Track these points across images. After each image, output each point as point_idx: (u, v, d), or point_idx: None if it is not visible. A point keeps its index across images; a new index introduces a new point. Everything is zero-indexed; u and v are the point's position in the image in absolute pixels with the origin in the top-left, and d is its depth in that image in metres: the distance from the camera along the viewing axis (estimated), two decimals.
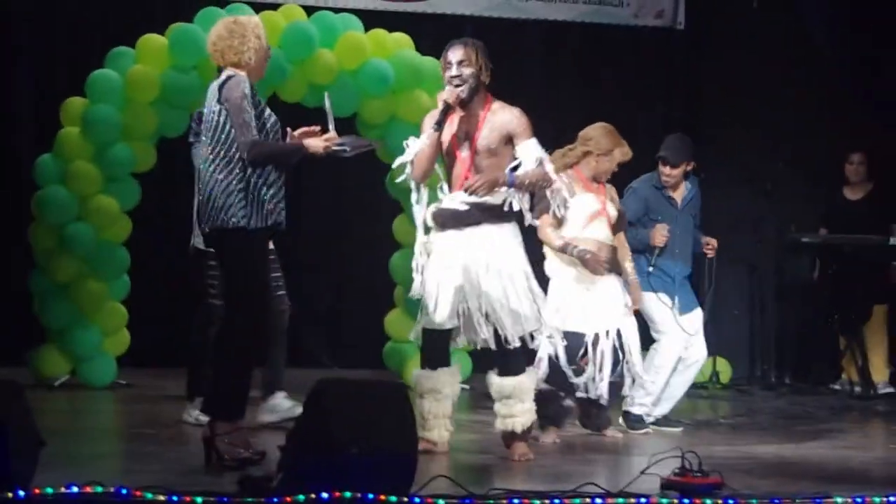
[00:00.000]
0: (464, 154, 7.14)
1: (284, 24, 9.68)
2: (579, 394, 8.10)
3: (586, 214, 8.10)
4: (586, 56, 11.93)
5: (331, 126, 6.83)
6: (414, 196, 7.32)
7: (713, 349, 8.78)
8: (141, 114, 9.68)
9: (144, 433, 7.87)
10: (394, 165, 7.41)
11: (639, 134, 9.05)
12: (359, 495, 5.61)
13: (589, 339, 8.03)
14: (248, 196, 6.56)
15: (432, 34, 11.21)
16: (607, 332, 8.04)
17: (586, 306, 8.05)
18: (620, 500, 5.92)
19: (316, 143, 6.72)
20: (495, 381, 7.18)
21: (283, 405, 8.04)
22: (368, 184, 10.31)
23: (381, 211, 10.64)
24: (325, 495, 5.61)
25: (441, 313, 7.13)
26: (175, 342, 10.82)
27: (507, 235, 7.10)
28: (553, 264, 8.17)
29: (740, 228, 8.98)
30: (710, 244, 8.67)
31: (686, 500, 5.93)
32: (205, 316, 8.14)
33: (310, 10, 10.06)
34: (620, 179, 8.43)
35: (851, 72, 11.74)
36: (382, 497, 5.63)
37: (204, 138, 6.73)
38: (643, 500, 5.92)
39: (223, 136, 6.61)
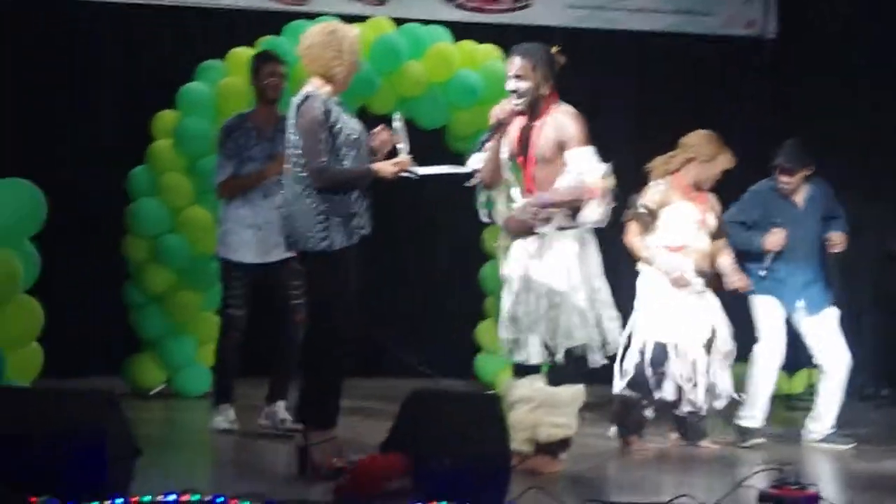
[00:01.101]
0: (526, 161, 7.07)
1: (373, 36, 9.70)
2: (673, 404, 8.07)
3: (684, 224, 8.07)
4: (676, 68, 11.85)
5: (401, 147, 6.82)
6: (481, 200, 7.28)
7: (809, 360, 8.68)
8: None
9: (237, 442, 7.94)
10: (467, 168, 7.30)
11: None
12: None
13: (673, 349, 7.99)
14: (330, 218, 6.62)
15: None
16: (691, 342, 8.00)
17: (674, 315, 8.01)
18: None
19: (385, 168, 6.74)
20: (544, 389, 6.98)
21: (279, 414, 8.17)
22: (460, 193, 10.27)
23: (473, 220, 10.61)
24: None
25: (502, 323, 7.14)
26: (265, 351, 10.94)
27: (566, 245, 6.95)
28: (643, 270, 8.15)
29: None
30: (832, 239, 8.46)
31: None
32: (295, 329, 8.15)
33: (398, 22, 10.08)
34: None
35: None
36: None
37: (289, 156, 6.78)
38: None
39: (301, 160, 6.68)
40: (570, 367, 6.94)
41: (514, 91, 6.99)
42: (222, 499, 5.69)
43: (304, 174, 6.65)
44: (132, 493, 5.68)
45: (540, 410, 6.94)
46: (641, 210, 8.11)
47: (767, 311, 8.33)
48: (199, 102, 9.70)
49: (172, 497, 5.66)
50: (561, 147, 6.91)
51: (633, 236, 8.12)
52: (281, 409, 8.26)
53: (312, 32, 6.84)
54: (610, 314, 7.03)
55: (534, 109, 7.01)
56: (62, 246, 9.47)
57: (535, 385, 7.01)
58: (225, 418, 8.20)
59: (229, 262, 8.21)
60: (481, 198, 7.25)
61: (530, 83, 6.96)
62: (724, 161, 8.17)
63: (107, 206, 10.07)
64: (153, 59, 10.80)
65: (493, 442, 5.91)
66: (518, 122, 7.08)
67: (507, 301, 7.11)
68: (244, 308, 8.31)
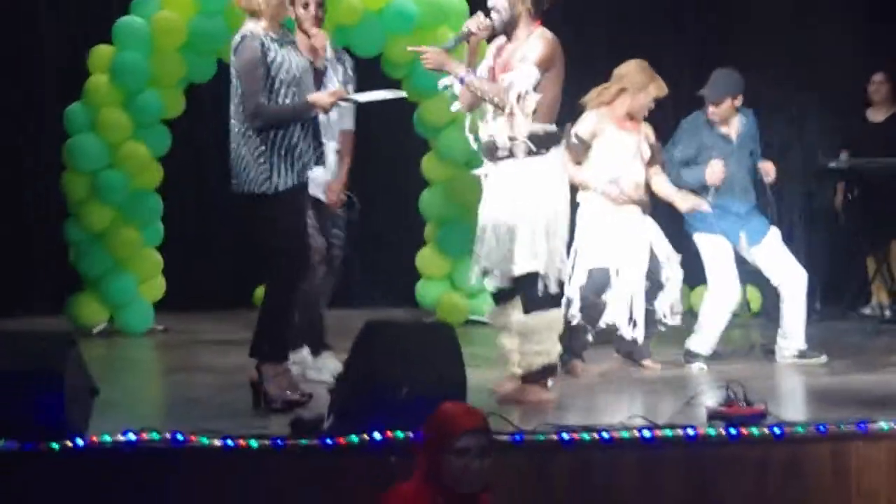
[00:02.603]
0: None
1: None
2: (611, 326, 8.18)
3: (618, 152, 8.15)
4: None
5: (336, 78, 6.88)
6: (467, 123, 7.27)
7: (743, 278, 8.80)
8: (168, 60, 9.68)
9: (189, 379, 7.96)
10: (439, 89, 7.33)
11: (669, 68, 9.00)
12: (410, 434, 5.69)
13: (613, 272, 8.09)
14: (273, 158, 6.63)
15: None
16: (632, 265, 8.10)
17: (614, 240, 8.10)
18: (668, 431, 5.99)
19: (321, 98, 6.76)
20: (519, 318, 7.02)
21: (330, 365, 7.78)
22: (398, 118, 10.28)
23: (409, 148, 10.66)
24: (377, 435, 5.71)
25: (477, 249, 7.15)
26: (208, 286, 10.97)
27: (532, 171, 6.94)
28: (581, 197, 8.21)
29: (767, 154, 8.95)
30: (766, 169, 8.52)
31: (733, 430, 6.01)
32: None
33: None
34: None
35: None
36: None
37: (231, 97, 6.79)
38: (691, 430, 5.99)
39: (238, 100, 6.69)
40: (541, 294, 6.94)
41: (491, 7, 7.01)
42: (181, 436, 5.74)
43: (246, 115, 6.66)
44: (91, 433, 5.74)
45: (517, 339, 7.01)
46: (574, 140, 8.16)
47: (715, 250, 8.39)
48: (135, 36, 9.62)
49: (132, 435, 5.72)
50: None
51: (567, 166, 8.17)
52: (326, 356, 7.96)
53: None
54: (562, 244, 7.04)
55: (511, 31, 7.01)
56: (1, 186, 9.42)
57: (514, 315, 7.04)
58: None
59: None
60: (468, 123, 7.26)
61: (505, 2, 6.96)
62: (656, 89, 8.23)
63: (45, 143, 10.00)
64: None
65: (448, 370, 5.97)
66: (496, 43, 7.09)
67: (481, 230, 7.13)
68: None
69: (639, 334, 8.16)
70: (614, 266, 8.11)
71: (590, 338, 8.18)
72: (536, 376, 7.00)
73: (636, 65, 8.24)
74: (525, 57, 6.88)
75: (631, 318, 8.15)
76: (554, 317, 7.02)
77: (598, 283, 8.09)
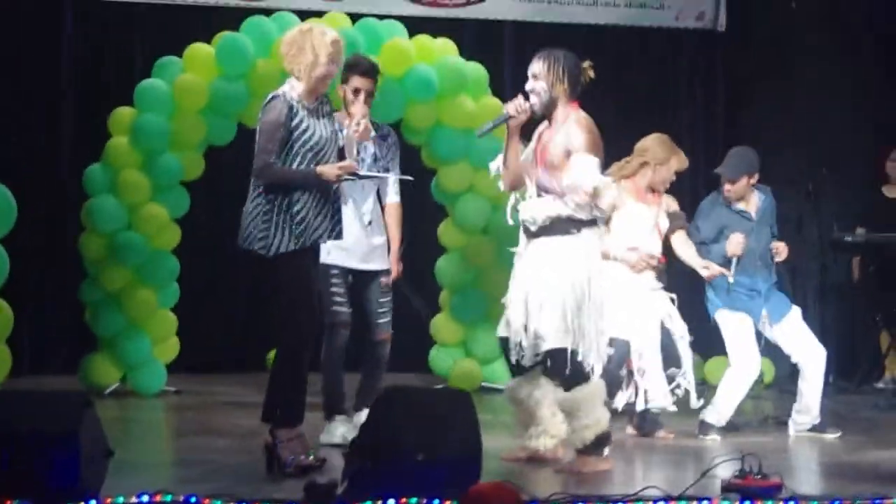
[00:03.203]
0: (538, 168, 7.12)
1: None
2: (630, 399, 8.18)
3: (637, 226, 8.19)
4: (628, 59, 11.94)
5: (349, 154, 6.90)
6: (510, 203, 7.29)
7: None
8: (189, 123, 9.74)
9: (201, 441, 7.96)
10: (491, 173, 7.41)
11: (686, 140, 9.05)
12: (424, 501, 5.69)
13: (632, 346, 8.11)
14: (273, 219, 6.66)
15: (476, 39, 11.29)
16: (649, 340, 8.11)
17: (632, 313, 8.12)
18: (682, 502, 5.98)
19: (328, 171, 6.76)
20: (563, 398, 7.05)
21: (340, 430, 7.77)
22: (415, 187, 10.30)
23: (427, 215, 10.69)
24: (391, 501, 5.70)
25: (503, 324, 7.22)
26: (223, 349, 10.98)
27: (564, 248, 6.99)
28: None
29: (783, 230, 8.99)
30: (778, 249, 8.56)
31: (747, 502, 5.99)
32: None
33: (354, 18, 10.10)
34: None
35: (890, 69, 11.74)
36: (448, 502, 5.71)
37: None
38: (705, 502, 5.98)
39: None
40: (574, 370, 6.98)
41: (530, 90, 7.08)
42: (195, 499, 5.74)
43: (253, 169, 6.73)
44: (105, 495, 5.73)
45: (565, 418, 7.05)
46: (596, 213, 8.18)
47: (737, 327, 8.40)
48: (156, 99, 9.69)
49: (146, 497, 5.71)
50: (568, 154, 6.95)
51: None
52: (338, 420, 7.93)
53: (290, 31, 6.92)
54: (595, 322, 7.06)
55: (550, 114, 7.09)
56: (19, 245, 9.44)
57: (554, 393, 7.10)
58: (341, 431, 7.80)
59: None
60: (511, 201, 7.29)
61: (544, 84, 7.03)
62: (677, 162, 8.32)
63: (65, 203, 10.05)
64: (110, 56, 10.78)
65: (464, 437, 5.97)
66: (539, 128, 7.17)
67: (510, 304, 7.18)
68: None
69: (658, 404, 8.16)
70: (631, 338, 8.12)
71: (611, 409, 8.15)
72: (592, 448, 7.03)
73: (658, 139, 8.33)
74: (571, 145, 6.93)
75: (646, 391, 8.16)
76: (597, 387, 7.07)
77: (617, 355, 8.09)
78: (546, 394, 7.16)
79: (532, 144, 7.17)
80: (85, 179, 9.84)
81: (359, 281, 7.87)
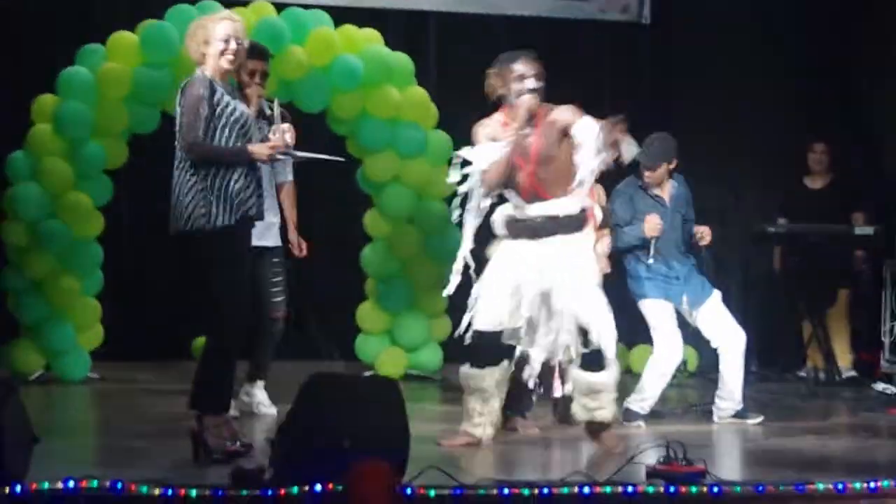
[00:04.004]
0: (527, 165, 7.22)
1: (255, 20, 9.69)
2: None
3: None
4: (553, 52, 11.96)
5: (275, 131, 6.91)
6: (474, 203, 7.35)
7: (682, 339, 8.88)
8: (112, 111, 9.68)
9: (128, 429, 7.90)
10: (454, 175, 7.44)
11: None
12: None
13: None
14: (211, 196, 6.65)
15: (400, 29, 11.28)
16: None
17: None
18: (608, 488, 6.02)
19: (259, 150, 6.79)
20: (581, 377, 7.30)
21: (257, 396, 8.23)
22: (340, 175, 10.31)
23: (350, 203, 10.68)
24: (318, 487, 5.70)
25: (500, 316, 7.27)
26: (146, 336, 10.91)
27: (581, 246, 7.25)
28: None
29: (706, 220, 9.07)
30: (702, 233, 8.68)
31: (672, 488, 6.04)
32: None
33: (279, 7, 10.06)
34: None
35: (812, 62, 11.87)
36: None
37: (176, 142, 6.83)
38: (630, 488, 6.02)
39: (179, 138, 6.75)
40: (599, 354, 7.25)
41: (535, 90, 7.24)
42: (120, 484, 5.70)
43: (184, 156, 6.71)
44: (30, 480, 5.69)
45: (598, 395, 7.32)
46: None
47: (659, 315, 8.49)
48: (80, 86, 9.63)
49: (71, 483, 5.67)
50: (562, 134, 7.15)
51: None
52: (260, 389, 8.32)
53: (190, 25, 7.03)
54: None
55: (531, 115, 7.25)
56: None
57: (494, 377, 7.36)
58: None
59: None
60: (473, 204, 7.38)
61: (542, 83, 7.27)
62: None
63: None
64: (33, 43, 10.66)
65: (391, 424, 6.00)
66: (511, 128, 7.24)
67: (512, 297, 7.25)
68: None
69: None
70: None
71: (534, 398, 8.19)
72: (603, 427, 7.37)
73: None
74: (561, 126, 7.19)
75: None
76: (617, 371, 7.36)
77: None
78: (502, 385, 7.39)
79: (506, 149, 7.20)
80: (7, 166, 9.77)
81: (254, 259, 7.91)
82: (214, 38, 6.79)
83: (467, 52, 11.25)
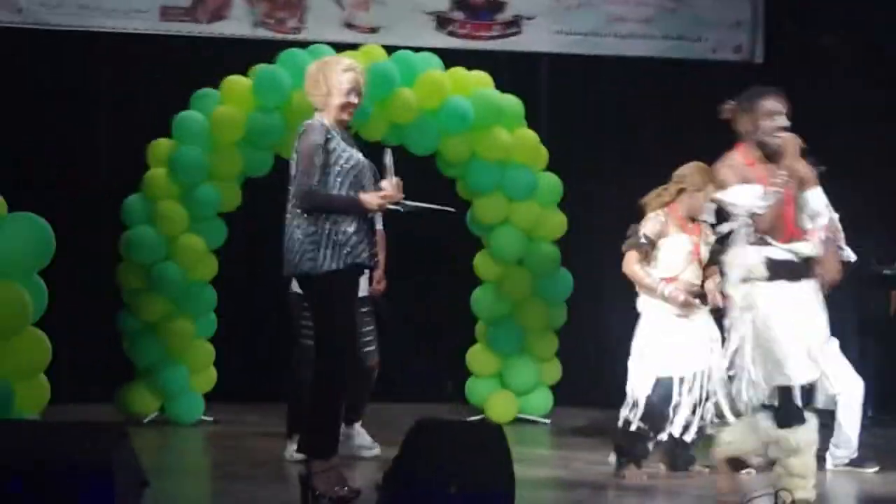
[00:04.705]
0: (786, 206, 6.88)
1: (365, 63, 9.74)
2: (664, 435, 8.14)
3: (679, 255, 8.17)
4: (666, 92, 11.93)
5: (387, 180, 6.88)
6: (745, 240, 6.91)
7: None
8: (226, 155, 9.81)
9: (238, 471, 7.97)
10: (709, 218, 7.46)
11: None
12: None
13: (677, 381, 8.06)
14: (321, 241, 6.69)
15: (511, 72, 11.30)
16: (696, 374, 8.07)
17: (676, 347, 8.08)
18: None
19: (371, 199, 6.80)
20: (779, 435, 6.84)
21: (356, 438, 8.31)
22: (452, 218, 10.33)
23: (466, 245, 10.69)
24: None
25: (804, 367, 6.83)
26: (260, 378, 11.01)
27: (817, 289, 6.95)
28: (644, 301, 8.21)
29: None
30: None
31: None
32: (299, 355, 8.25)
33: (390, 50, 10.15)
34: None
35: None
36: None
37: (291, 181, 6.88)
38: None
39: (294, 184, 6.80)
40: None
41: (787, 128, 6.97)
42: None
43: (295, 193, 6.76)
44: None
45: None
46: (643, 240, 8.19)
47: None
48: (194, 130, 9.76)
49: None
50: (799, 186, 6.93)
51: (634, 265, 8.19)
52: (358, 431, 8.38)
53: (310, 67, 7.02)
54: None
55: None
56: (58, 275, 9.49)
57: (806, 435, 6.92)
58: None
59: (301, 294, 7.93)
60: (743, 240, 6.98)
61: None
62: (714, 190, 8.25)
63: (104, 234, 10.10)
64: (148, 88, 10.85)
65: (496, 470, 5.97)
66: (757, 168, 6.95)
67: (802, 344, 6.87)
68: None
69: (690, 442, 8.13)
70: (678, 374, 8.08)
71: (650, 446, 8.12)
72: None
73: (695, 166, 8.28)
74: (801, 179, 6.91)
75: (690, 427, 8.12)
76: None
77: (664, 393, 8.05)
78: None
79: (779, 193, 6.81)
80: (123, 210, 9.91)
81: None
82: (338, 88, 6.84)
83: (579, 94, 11.27)
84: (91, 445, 5.75)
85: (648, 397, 8.00)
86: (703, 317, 8.19)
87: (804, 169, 6.78)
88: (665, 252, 8.21)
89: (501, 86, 10.39)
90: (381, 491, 6.08)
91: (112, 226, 9.99)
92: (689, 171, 8.30)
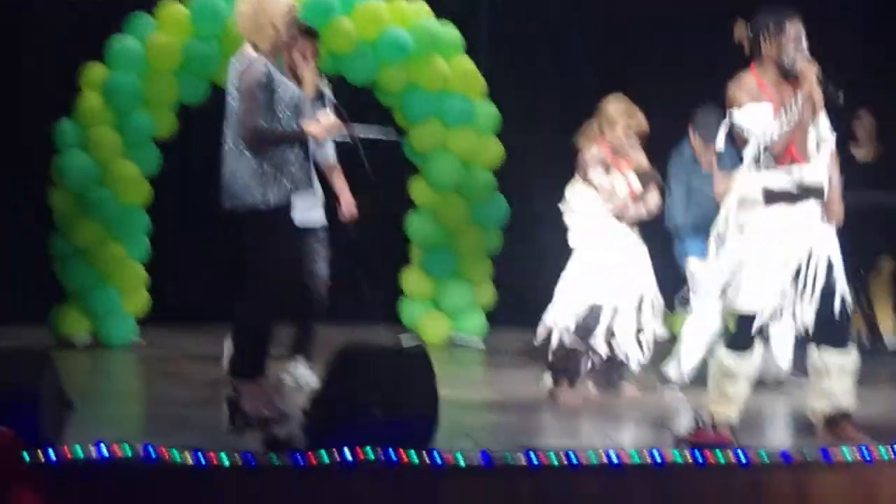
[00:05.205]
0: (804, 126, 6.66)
1: None
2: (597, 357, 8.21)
3: (619, 195, 8.20)
4: (605, 17, 11.84)
5: (326, 110, 7.02)
6: (753, 165, 6.65)
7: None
8: (162, 82, 9.78)
9: (166, 393, 8.03)
10: (719, 143, 6.99)
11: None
12: (381, 452, 5.78)
13: (610, 308, 8.13)
14: (263, 177, 6.73)
15: (449, 1, 11.27)
16: (629, 302, 8.15)
17: (609, 276, 8.14)
18: (634, 454, 6.06)
19: (315, 129, 6.87)
20: (828, 358, 6.71)
21: (300, 372, 8.21)
22: (385, 146, 10.35)
23: (396, 171, 10.70)
24: (347, 452, 5.79)
25: (764, 297, 6.65)
26: (191, 301, 11.01)
27: (822, 213, 6.73)
28: (575, 237, 8.26)
29: None
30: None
31: (698, 454, 6.07)
32: None
33: None
34: None
35: None
36: (403, 453, 5.81)
37: (227, 119, 6.90)
38: (657, 455, 6.06)
39: (235, 120, 6.80)
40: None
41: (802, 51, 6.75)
42: (152, 450, 5.81)
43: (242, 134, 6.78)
44: (64, 447, 5.79)
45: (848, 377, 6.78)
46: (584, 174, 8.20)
47: (703, 277, 8.18)
48: (129, 57, 9.72)
49: (104, 448, 5.78)
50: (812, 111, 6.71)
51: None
52: (301, 365, 8.31)
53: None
54: None
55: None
56: None
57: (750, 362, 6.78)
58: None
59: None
60: (750, 166, 6.73)
61: None
62: (629, 124, 8.14)
63: (35, 157, 10.05)
64: (82, 8, 10.66)
65: (420, 392, 6.06)
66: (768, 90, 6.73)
67: (772, 273, 6.66)
68: None
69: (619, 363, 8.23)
70: (609, 299, 8.14)
71: (583, 367, 8.16)
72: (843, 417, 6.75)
73: (611, 99, 8.23)
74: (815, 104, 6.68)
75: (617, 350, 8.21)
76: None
77: (595, 316, 8.12)
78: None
79: (794, 120, 6.60)
80: (56, 134, 9.85)
81: (301, 237, 8.03)
82: (273, 19, 6.80)
83: (517, 22, 11.26)
84: (15, 369, 5.81)
85: (582, 319, 8.07)
86: (636, 245, 8.25)
87: (818, 95, 6.59)
88: (601, 186, 8.22)
89: (439, 15, 10.38)
90: (306, 415, 6.17)
91: (44, 149, 9.91)
92: (604, 103, 8.21)
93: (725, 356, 6.67)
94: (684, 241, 8.72)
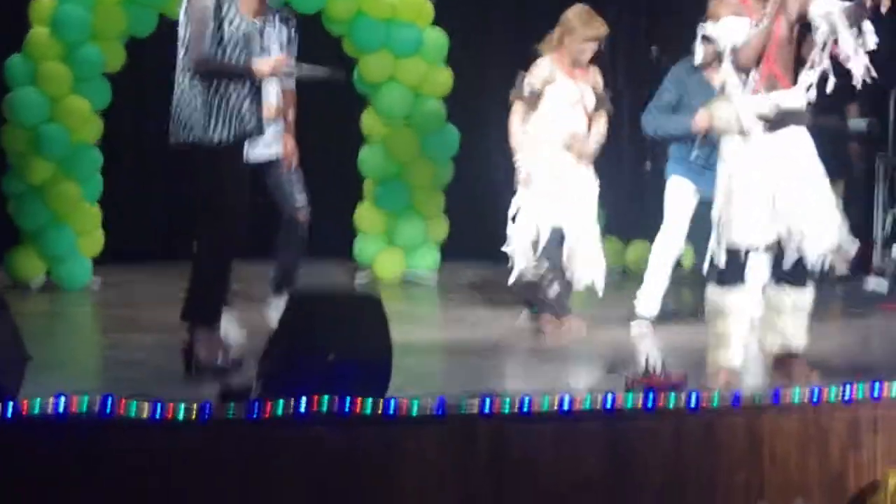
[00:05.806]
0: (770, 49, 6.54)
1: None
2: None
3: (563, 103, 8.17)
4: None
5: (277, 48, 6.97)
6: (736, 84, 6.59)
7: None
8: (110, 13, 9.69)
9: (123, 339, 8.01)
10: (698, 55, 6.87)
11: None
12: (335, 399, 5.83)
13: (564, 230, 8.16)
14: (212, 111, 6.71)
15: None
16: (580, 222, 8.18)
17: (561, 196, 8.16)
18: (587, 397, 6.12)
19: (262, 67, 6.86)
20: (788, 295, 6.74)
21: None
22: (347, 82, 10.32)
23: (347, 105, 10.68)
24: (303, 401, 5.83)
25: (755, 231, 6.62)
26: (149, 241, 10.99)
27: (809, 138, 6.68)
28: (522, 160, 8.26)
29: None
30: None
31: (651, 394, 6.14)
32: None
33: None
34: None
35: None
36: (358, 400, 5.85)
37: (179, 45, 6.86)
38: (610, 396, 6.13)
39: (184, 51, 6.78)
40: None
41: None
42: (110, 400, 5.82)
43: (188, 67, 6.75)
44: (23, 397, 5.79)
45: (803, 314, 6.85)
46: (528, 90, 8.18)
47: (678, 200, 8.31)
48: None
49: (62, 399, 5.78)
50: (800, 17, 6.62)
51: (513, 117, 8.20)
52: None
53: None
54: None
55: None
56: None
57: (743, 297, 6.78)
58: None
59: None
60: (732, 86, 6.65)
61: None
62: (587, 31, 8.11)
63: None
64: None
65: (374, 338, 6.10)
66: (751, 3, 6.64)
67: (761, 207, 6.61)
68: None
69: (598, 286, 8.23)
70: (563, 223, 8.18)
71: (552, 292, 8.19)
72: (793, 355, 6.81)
73: (574, 7, 8.20)
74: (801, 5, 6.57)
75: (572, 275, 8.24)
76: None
77: (553, 240, 8.15)
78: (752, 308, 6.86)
79: (764, 27, 6.48)
80: (5, 71, 9.77)
81: (270, 167, 8.21)
82: None
83: None
84: None
85: (544, 247, 8.07)
86: (582, 170, 8.25)
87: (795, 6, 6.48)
88: (548, 100, 8.19)
89: None
90: (261, 360, 6.20)
91: None
92: (568, 13, 8.18)
93: (714, 293, 6.67)
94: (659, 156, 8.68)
